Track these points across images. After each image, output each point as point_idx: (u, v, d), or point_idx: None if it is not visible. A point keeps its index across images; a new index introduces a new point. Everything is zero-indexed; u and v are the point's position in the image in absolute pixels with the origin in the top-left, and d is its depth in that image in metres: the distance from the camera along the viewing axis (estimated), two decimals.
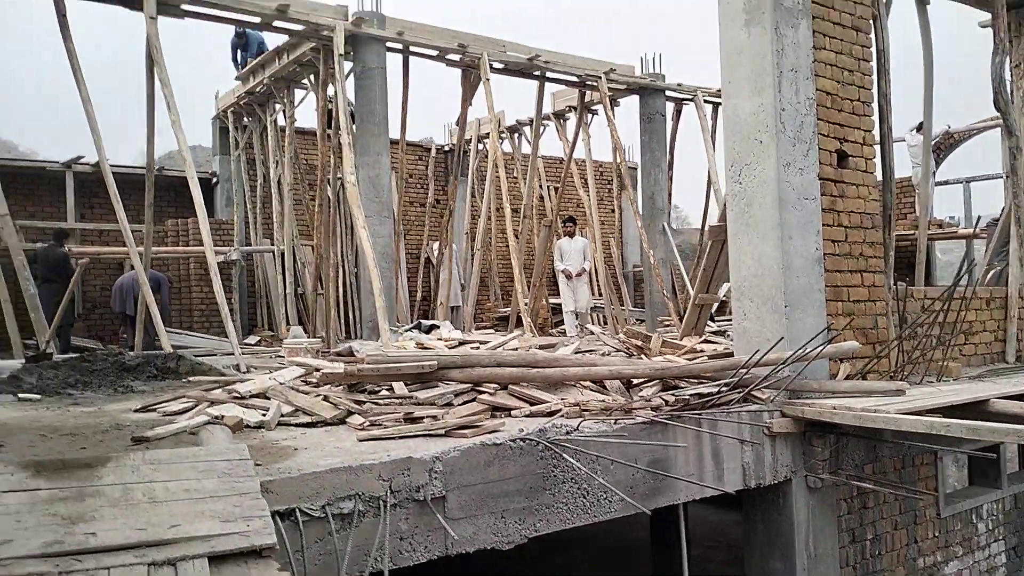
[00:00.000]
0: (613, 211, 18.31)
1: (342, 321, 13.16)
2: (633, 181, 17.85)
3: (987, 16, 6.97)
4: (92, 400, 5.40)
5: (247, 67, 12.14)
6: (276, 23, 8.99)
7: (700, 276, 6.76)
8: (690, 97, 12.25)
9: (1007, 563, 6.41)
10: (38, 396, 5.42)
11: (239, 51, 12.56)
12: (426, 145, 16.56)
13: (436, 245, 15.35)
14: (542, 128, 12.50)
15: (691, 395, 4.34)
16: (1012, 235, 6.73)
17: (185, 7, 8.28)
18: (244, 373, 7.03)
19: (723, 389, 4.44)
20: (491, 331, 13.81)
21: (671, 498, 4.30)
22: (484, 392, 4.28)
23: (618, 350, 6.22)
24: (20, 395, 5.42)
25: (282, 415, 4.27)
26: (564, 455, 3.75)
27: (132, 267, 10.61)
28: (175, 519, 2.45)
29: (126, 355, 6.72)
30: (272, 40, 11.70)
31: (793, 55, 4.77)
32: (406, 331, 9.94)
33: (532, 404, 4.28)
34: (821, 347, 4.53)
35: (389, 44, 9.66)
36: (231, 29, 12.36)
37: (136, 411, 4.76)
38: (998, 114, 6.69)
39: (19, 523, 2.35)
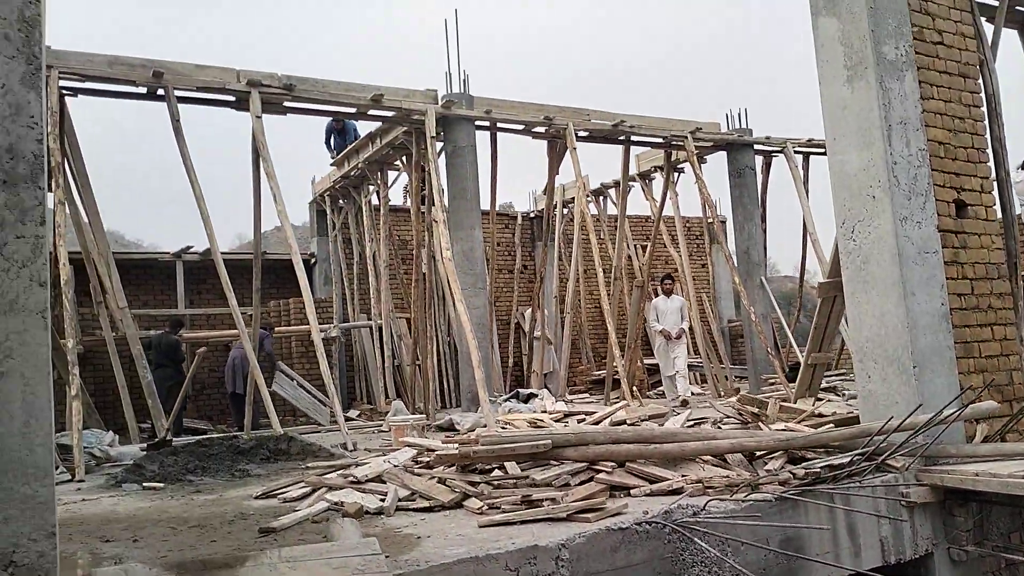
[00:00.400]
0: (704, 266, 18.02)
1: (438, 391, 13.28)
2: (724, 235, 17.61)
3: None
4: (212, 486, 5.55)
5: (342, 153, 12.67)
6: (371, 111, 9.38)
7: (812, 334, 6.50)
8: (779, 149, 12.05)
9: None
10: (161, 484, 5.61)
11: (334, 136, 13.11)
12: (509, 213, 16.79)
13: (528, 312, 15.43)
14: (628, 189, 12.49)
15: (822, 467, 4.11)
16: None
17: (287, 104, 8.75)
18: (352, 451, 7.11)
19: (855, 459, 4.19)
20: (586, 395, 13.65)
21: None
22: (601, 471, 4.17)
23: (730, 417, 6.00)
24: (145, 484, 5.62)
25: (400, 499, 4.27)
26: (693, 538, 3.59)
27: (238, 343, 11.10)
28: None
29: (240, 438, 6.92)
30: (364, 126, 12.22)
31: (900, 107, 4.62)
32: (504, 401, 9.92)
33: (652, 482, 4.14)
34: (958, 410, 4.23)
35: (478, 123, 9.92)
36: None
37: (256, 498, 4.85)
38: None
39: None
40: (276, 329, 13.30)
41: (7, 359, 2.58)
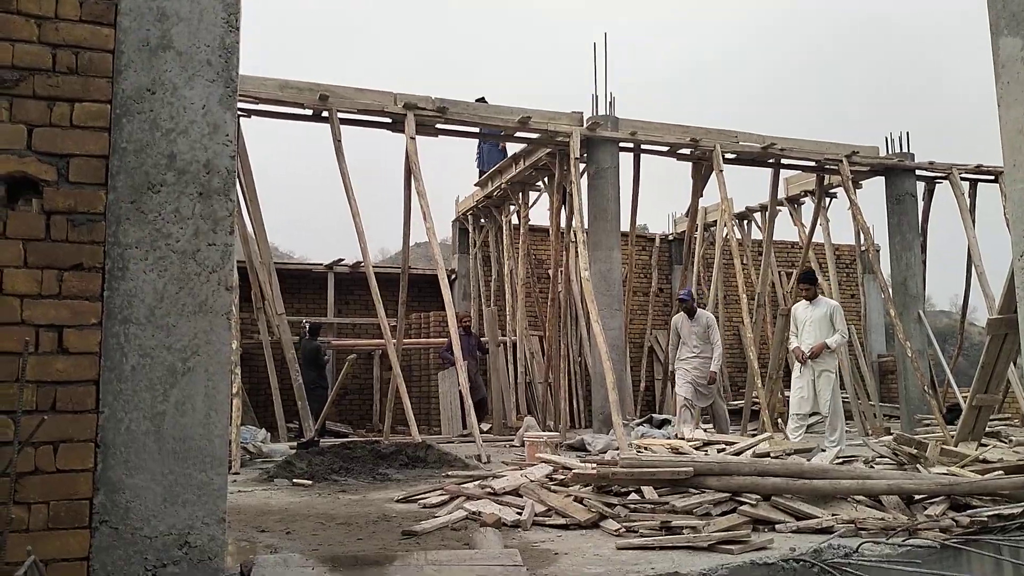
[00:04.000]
0: (853, 297, 17.10)
1: (567, 410, 13.29)
2: (871, 265, 16.65)
3: None
4: (355, 487, 5.80)
5: (486, 175, 13.02)
6: (518, 133, 9.60)
7: (978, 374, 6.03)
8: (944, 176, 11.28)
9: None
10: (309, 481, 5.93)
11: (486, 147, 13.39)
12: (647, 235, 16.62)
13: (662, 336, 15.16)
14: (776, 213, 12.07)
15: (989, 516, 3.80)
16: None
17: (439, 126, 9.11)
18: (485, 463, 7.24)
19: None
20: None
21: None
22: (744, 502, 4.04)
23: (883, 456, 5.65)
24: (294, 480, 5.96)
25: (536, 514, 4.30)
26: None
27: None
28: None
29: (381, 443, 7.20)
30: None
31: None
32: (636, 424, 9.78)
33: (799, 519, 3.96)
34: None
35: (622, 144, 9.93)
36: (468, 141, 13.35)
37: (398, 501, 5.03)
38: None
39: None
40: (417, 340, 13.77)
41: (194, 356, 2.83)
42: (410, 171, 8.84)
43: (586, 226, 9.63)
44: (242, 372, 13.12)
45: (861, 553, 3.51)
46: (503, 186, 12.34)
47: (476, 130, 9.61)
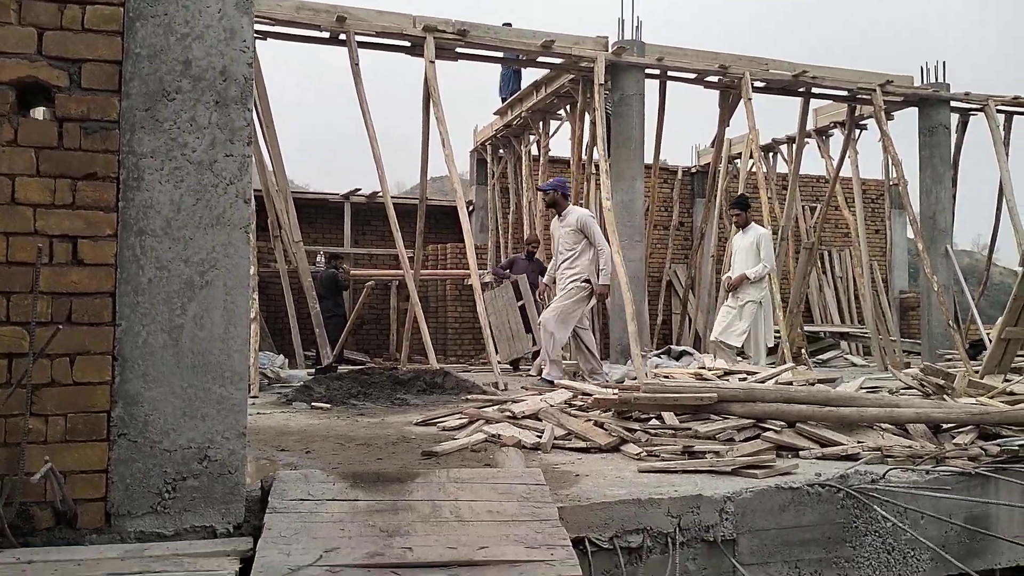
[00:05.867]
0: (878, 232, 16.83)
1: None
2: (899, 200, 16.31)
3: None
4: (373, 411, 5.82)
5: (507, 101, 12.73)
6: (540, 58, 9.32)
7: (1010, 305, 5.90)
8: (979, 107, 10.88)
9: None
10: (327, 405, 5.95)
11: (511, 81, 13.08)
12: (670, 167, 16.32)
13: (681, 270, 15.02)
14: (803, 145, 11.76)
15: (1020, 446, 3.72)
16: None
17: (459, 50, 8.84)
18: (503, 390, 7.24)
19: None
20: (738, 358, 13.18)
21: (989, 561, 3.71)
22: (769, 429, 3.98)
23: (910, 387, 5.58)
24: (313, 404, 5.97)
25: (555, 437, 4.28)
26: (871, 505, 3.36)
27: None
28: (482, 540, 2.48)
29: (399, 370, 7.21)
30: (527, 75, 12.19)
31: None
32: (654, 356, 9.75)
33: (823, 446, 3.91)
34: None
35: (648, 71, 9.62)
36: (488, 66, 13.01)
37: (416, 424, 5.03)
38: None
39: (343, 532, 2.50)
40: (434, 272, 13.73)
41: (212, 269, 2.76)
42: (429, 97, 8.63)
43: (608, 155, 9.43)
44: (260, 300, 13.27)
45: (888, 479, 3.47)
46: (523, 114, 12.08)
47: (498, 55, 9.34)
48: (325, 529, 2.52)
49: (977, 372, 8.40)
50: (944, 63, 10.66)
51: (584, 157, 11.22)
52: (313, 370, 7.96)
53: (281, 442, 4.34)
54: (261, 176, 9.46)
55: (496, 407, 5.04)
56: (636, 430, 4.18)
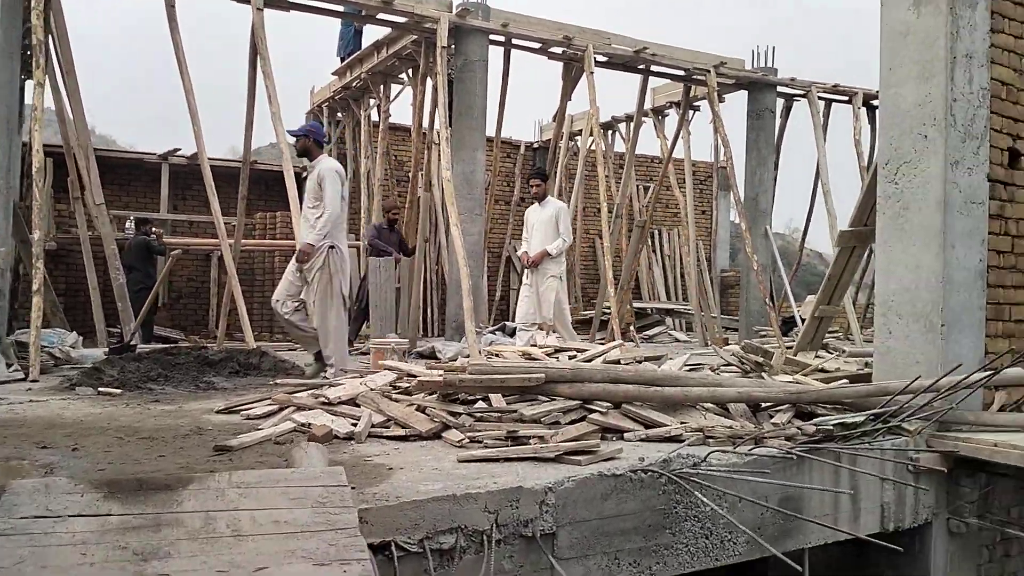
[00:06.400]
0: (704, 212, 17.59)
1: (421, 318, 12.93)
2: (726, 182, 17.12)
3: None
4: (172, 397, 5.21)
5: (345, 62, 12.02)
6: (380, 15, 8.78)
7: (824, 285, 6.13)
8: (803, 93, 11.44)
9: None
10: (118, 390, 5.26)
11: (352, 41, 12.30)
12: (512, 141, 16.20)
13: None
14: (641, 124, 11.92)
15: (834, 425, 3.78)
16: None
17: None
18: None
19: (869, 418, 3.87)
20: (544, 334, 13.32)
21: (801, 541, 3.76)
22: (595, 410, 3.83)
23: (729, 364, 5.67)
24: (100, 389, 5.26)
25: (373, 425, 3.93)
26: (691, 490, 3.26)
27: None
28: (262, 559, 2.09)
29: (209, 349, 6.57)
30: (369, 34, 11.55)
31: (968, 39, 4.14)
32: (489, 332, 9.57)
33: (648, 427, 3.80)
34: (988, 375, 3.89)
35: (492, 36, 9.30)
36: (326, 22, 12.23)
37: (218, 412, 4.52)
38: None
39: (84, 557, 2.03)
40: (261, 242, 12.85)
41: None
42: (255, 48, 7.88)
43: (450, 124, 9.07)
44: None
45: (709, 462, 3.39)
46: (363, 76, 11.44)
47: (335, 7, 8.70)
48: (62, 555, 2.05)
49: (790, 348, 8.87)
50: (773, 48, 11.12)
51: (425, 125, 10.79)
52: (108, 350, 7.10)
53: (47, 437, 3.71)
54: (62, 129, 8.35)
55: (311, 392, 4.61)
56: (460, 414, 3.91)
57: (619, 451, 3.38)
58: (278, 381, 5.18)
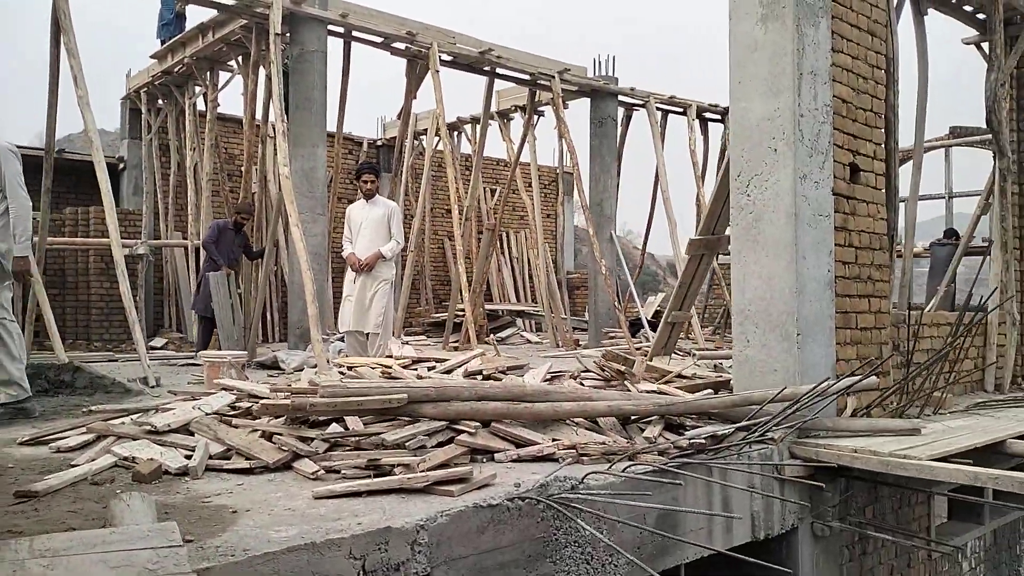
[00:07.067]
0: (549, 216, 17.82)
1: (260, 324, 12.13)
2: (570, 187, 17.44)
3: (971, 33, 6.72)
4: None
5: (166, 45, 10.99)
6: None
7: (675, 292, 6.23)
8: (642, 103, 11.79)
9: None
10: None
11: (174, 24, 11.22)
12: (354, 138, 15.63)
13: None
14: (487, 126, 11.80)
15: (706, 437, 3.74)
16: (995, 258, 6.46)
17: None
18: (154, 387, 6.08)
19: (737, 429, 3.87)
20: (423, 337, 13.03)
21: (679, 556, 3.70)
22: (463, 431, 3.56)
23: (589, 371, 5.60)
24: None
25: (211, 456, 3.45)
26: (571, 516, 3.08)
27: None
28: None
29: None
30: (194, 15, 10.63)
31: (813, 56, 4.26)
32: (337, 340, 9.07)
33: (519, 445, 3.59)
34: (850, 383, 4.02)
35: (331, 27, 8.79)
36: (146, 2, 11.15)
37: (22, 443, 3.84)
38: (989, 132, 6.39)
39: None
40: (73, 240, 11.54)
41: None
42: (58, 24, 6.94)
43: (287, 117, 8.47)
44: None
45: (587, 484, 3.22)
46: (187, 61, 10.50)
47: None
48: None
49: (639, 349, 9.04)
50: (614, 57, 11.37)
51: (259, 117, 10.07)
52: None
53: None
54: None
55: (135, 418, 4.02)
56: (312, 439, 3.51)
57: (492, 476, 3.13)
58: (92, 410, 4.48)
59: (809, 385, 4.06)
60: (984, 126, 6.49)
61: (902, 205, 6.25)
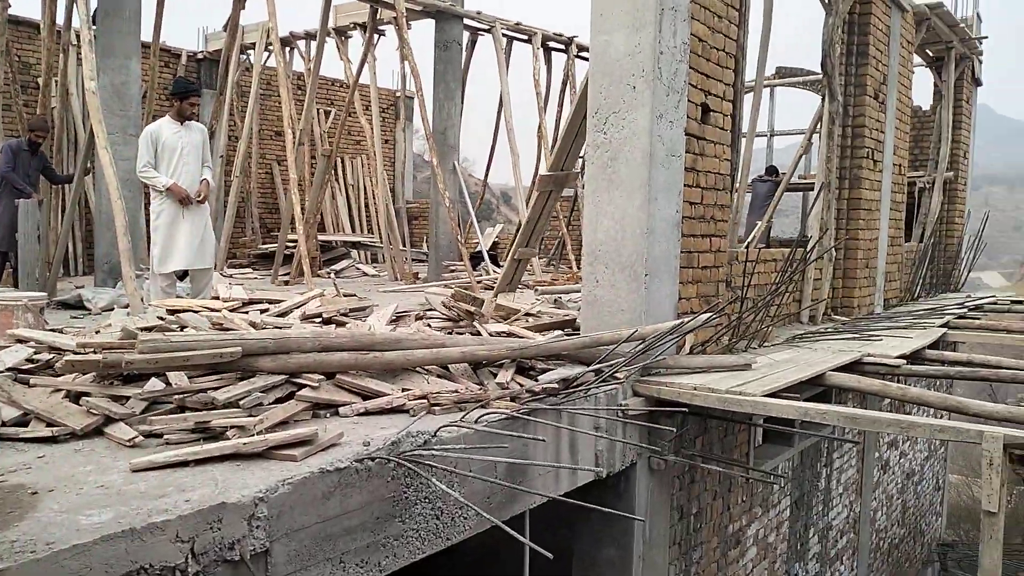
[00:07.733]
0: (387, 142, 17.21)
1: (62, 257, 10.92)
2: (411, 112, 16.86)
3: None
4: None
5: None
6: None
7: (522, 228, 6.13)
8: (488, 28, 11.42)
9: (790, 516, 6.69)
10: None
11: None
12: (172, 50, 14.17)
13: None
14: (323, 43, 11.00)
15: (557, 381, 3.69)
16: (819, 198, 6.85)
17: None
18: None
19: (587, 372, 3.85)
20: (249, 270, 12.27)
21: (525, 503, 3.67)
22: (305, 384, 3.29)
23: (434, 309, 5.43)
24: None
25: (4, 422, 2.97)
26: (423, 474, 2.92)
27: None
28: None
29: None
30: None
31: None
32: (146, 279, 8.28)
33: (366, 398, 3.37)
34: (705, 318, 4.10)
35: None
36: None
37: None
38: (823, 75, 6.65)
39: None
40: None
41: None
42: None
43: (94, 23, 7.44)
44: None
45: (440, 438, 3.08)
46: None
47: None
48: None
49: (480, 283, 8.97)
50: None
51: (60, 22, 8.81)
52: None
53: None
54: None
55: None
56: (128, 398, 3.11)
57: (339, 436, 2.90)
58: None
59: (654, 324, 4.11)
60: (805, 67, 6.77)
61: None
